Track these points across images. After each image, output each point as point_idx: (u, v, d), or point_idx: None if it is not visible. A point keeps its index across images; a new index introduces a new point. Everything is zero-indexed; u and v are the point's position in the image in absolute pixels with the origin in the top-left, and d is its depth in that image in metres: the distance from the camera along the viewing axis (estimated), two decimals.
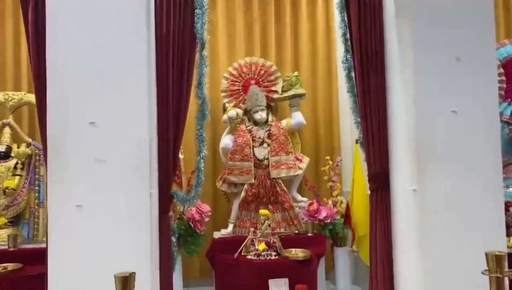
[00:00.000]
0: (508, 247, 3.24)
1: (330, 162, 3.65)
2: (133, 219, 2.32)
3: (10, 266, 2.90)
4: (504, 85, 3.84)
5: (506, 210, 3.52)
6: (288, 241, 3.34)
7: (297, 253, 3.20)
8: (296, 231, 3.47)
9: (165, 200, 2.66)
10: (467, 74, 2.53)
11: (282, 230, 3.46)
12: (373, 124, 2.82)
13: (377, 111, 2.81)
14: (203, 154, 2.76)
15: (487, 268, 1.57)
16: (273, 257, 3.12)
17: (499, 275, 1.54)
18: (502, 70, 3.85)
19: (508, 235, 3.40)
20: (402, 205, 2.66)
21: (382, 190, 2.82)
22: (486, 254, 1.57)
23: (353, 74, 2.90)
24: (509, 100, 3.89)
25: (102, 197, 2.31)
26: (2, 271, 2.82)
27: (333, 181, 3.64)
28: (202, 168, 2.75)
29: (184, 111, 2.72)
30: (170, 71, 2.62)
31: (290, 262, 3.09)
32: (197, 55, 2.75)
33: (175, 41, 2.63)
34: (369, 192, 2.90)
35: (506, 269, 1.56)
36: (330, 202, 3.60)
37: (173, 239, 2.83)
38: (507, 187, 3.62)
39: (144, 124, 2.36)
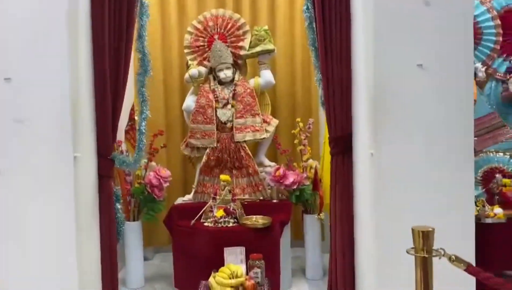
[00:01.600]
0: (489, 216, 2.99)
1: (301, 124, 3.38)
2: (56, 186, 2.14)
3: None
4: (500, 39, 3.46)
5: (492, 177, 3.25)
6: (252, 208, 3.15)
7: (257, 220, 3.01)
8: (261, 197, 3.26)
9: (105, 164, 2.47)
10: (437, 21, 2.20)
11: (246, 196, 3.26)
12: (334, 82, 2.53)
13: (340, 67, 2.52)
14: (145, 115, 2.54)
15: (413, 246, 1.33)
16: (230, 225, 2.94)
17: (425, 255, 1.30)
18: (499, 22, 3.46)
19: (492, 203, 3.15)
20: (362, 171, 2.41)
21: (344, 154, 2.57)
22: (412, 230, 1.33)
23: (315, 24, 2.60)
24: (504, 55, 3.51)
25: (23, 161, 2.13)
26: None
27: (303, 145, 3.39)
28: (144, 131, 2.54)
29: (125, 67, 2.47)
30: (106, 21, 2.35)
31: (249, 230, 2.91)
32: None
33: None
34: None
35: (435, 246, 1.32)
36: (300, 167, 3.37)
37: (118, 205, 2.66)
38: (496, 152, 3.33)
39: (66, 80, 2.12)
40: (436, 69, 2.20)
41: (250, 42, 3.38)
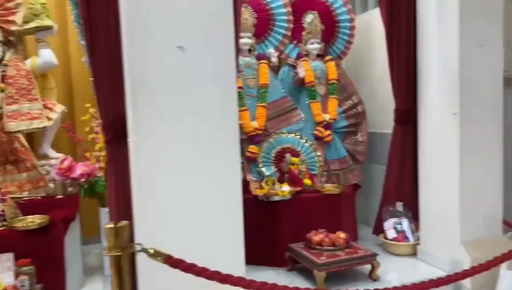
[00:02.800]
0: (277, 194, 3.14)
1: (91, 110, 3.10)
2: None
3: None
4: (291, 25, 3.64)
5: (282, 157, 3.43)
6: (32, 207, 2.77)
7: (34, 220, 2.65)
8: (43, 194, 2.90)
9: None
10: (199, 5, 2.13)
11: (25, 194, 2.86)
12: (102, 60, 2.30)
13: (107, 41, 2.28)
14: None
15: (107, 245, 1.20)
16: None
17: (118, 253, 1.19)
18: (290, 9, 3.63)
19: (283, 182, 3.32)
20: (132, 159, 2.25)
21: (119, 141, 2.38)
22: (105, 229, 1.21)
23: None
24: (295, 41, 3.71)
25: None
26: None
27: (95, 133, 3.11)
28: None
29: None
30: None
31: (20, 233, 2.54)
32: None
33: None
34: None
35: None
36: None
37: None
38: (288, 133, 3.51)
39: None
40: (198, 52, 2.13)
41: (24, 16, 2.94)
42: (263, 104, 3.41)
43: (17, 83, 2.85)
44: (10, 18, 2.91)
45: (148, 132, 2.08)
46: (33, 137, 3.15)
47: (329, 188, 3.38)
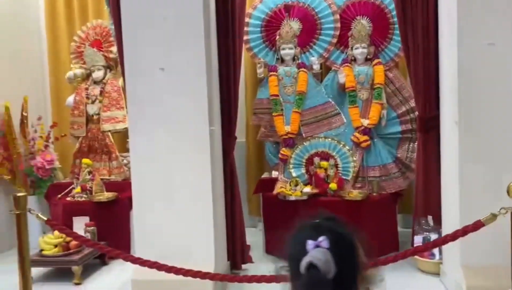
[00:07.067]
0: (293, 194, 3.36)
1: None
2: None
3: None
4: (337, 32, 3.75)
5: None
6: (114, 186, 3.80)
7: (108, 196, 3.65)
8: (123, 178, 3.88)
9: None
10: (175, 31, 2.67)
11: (112, 177, 3.92)
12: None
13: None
14: None
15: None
16: (82, 199, 3.64)
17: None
18: (337, 17, 3.75)
19: (310, 183, 3.51)
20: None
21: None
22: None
23: None
24: (342, 47, 3.79)
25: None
26: None
27: None
28: None
29: None
30: None
31: (96, 203, 3.58)
32: None
33: None
34: None
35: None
36: None
37: None
38: (325, 138, 3.65)
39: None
40: (175, 71, 2.68)
41: None
42: (297, 110, 3.64)
43: (111, 96, 3.93)
44: (111, 48, 4.02)
45: (140, 137, 2.75)
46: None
47: (355, 194, 3.38)
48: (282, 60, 3.74)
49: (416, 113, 3.37)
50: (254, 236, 3.70)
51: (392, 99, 3.65)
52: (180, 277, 2.32)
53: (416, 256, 3.08)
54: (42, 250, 3.17)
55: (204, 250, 2.70)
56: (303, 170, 3.60)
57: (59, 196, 3.74)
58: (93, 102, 3.96)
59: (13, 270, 2.28)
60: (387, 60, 3.68)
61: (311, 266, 0.88)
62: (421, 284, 2.94)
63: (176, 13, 2.67)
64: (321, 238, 0.90)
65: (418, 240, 3.13)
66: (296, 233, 0.97)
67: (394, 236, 3.47)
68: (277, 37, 3.72)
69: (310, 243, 0.90)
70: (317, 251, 0.89)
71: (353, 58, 3.69)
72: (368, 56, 3.66)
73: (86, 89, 4.00)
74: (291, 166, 3.63)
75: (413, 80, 2.96)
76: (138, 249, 2.79)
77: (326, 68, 3.93)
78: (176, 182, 2.71)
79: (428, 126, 2.95)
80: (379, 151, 3.57)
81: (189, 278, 2.30)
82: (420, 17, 2.82)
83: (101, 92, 3.96)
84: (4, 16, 3.75)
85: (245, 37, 3.73)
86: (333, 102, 3.71)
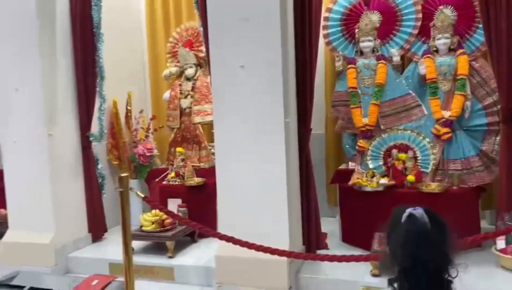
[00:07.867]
0: (369, 185, 3.41)
1: None
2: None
3: None
4: (419, 24, 3.71)
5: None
6: (203, 172, 4.20)
7: (198, 181, 4.06)
8: (210, 165, 4.27)
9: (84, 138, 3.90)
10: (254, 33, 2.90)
11: (202, 164, 4.32)
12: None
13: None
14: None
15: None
16: (175, 183, 4.09)
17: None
18: (419, 7, 3.71)
19: (388, 175, 3.55)
20: None
21: None
22: None
23: None
24: (423, 38, 3.73)
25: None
26: None
27: None
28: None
29: None
30: None
31: (187, 187, 4.00)
32: None
33: None
34: None
35: None
36: None
37: (100, 165, 4.09)
38: (405, 130, 3.65)
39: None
40: (253, 68, 2.92)
41: None
42: (376, 102, 3.67)
43: (201, 91, 4.32)
44: (201, 48, 4.40)
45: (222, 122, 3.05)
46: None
47: (433, 186, 3.34)
48: (361, 53, 3.80)
49: None
50: (333, 225, 3.84)
51: (477, 90, 3.50)
52: (258, 255, 2.55)
53: (498, 253, 3.00)
54: (141, 226, 3.66)
55: (279, 233, 2.92)
56: (380, 162, 3.64)
57: (157, 180, 4.24)
58: (185, 97, 4.39)
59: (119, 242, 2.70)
60: (472, 50, 3.53)
61: (411, 215, 1.25)
62: (502, 280, 2.85)
63: (255, 14, 2.90)
64: (418, 208, 1.27)
65: (501, 243, 3.02)
66: (396, 210, 1.33)
67: (476, 232, 3.34)
68: (356, 30, 3.79)
69: (409, 209, 1.27)
70: (415, 210, 1.27)
71: (435, 48, 3.61)
72: (452, 47, 3.55)
73: (180, 85, 4.45)
74: (368, 157, 3.68)
75: (496, 70, 2.85)
76: (221, 230, 3.11)
77: (407, 60, 3.89)
78: (254, 170, 2.96)
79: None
80: (461, 144, 3.47)
81: (266, 256, 2.52)
82: (504, 7, 2.71)
83: (193, 88, 4.38)
84: (111, 22, 4.29)
85: (324, 31, 3.87)
86: (413, 94, 3.68)
